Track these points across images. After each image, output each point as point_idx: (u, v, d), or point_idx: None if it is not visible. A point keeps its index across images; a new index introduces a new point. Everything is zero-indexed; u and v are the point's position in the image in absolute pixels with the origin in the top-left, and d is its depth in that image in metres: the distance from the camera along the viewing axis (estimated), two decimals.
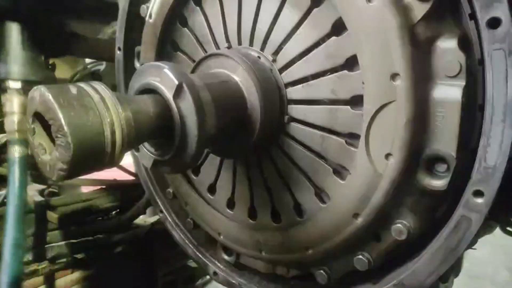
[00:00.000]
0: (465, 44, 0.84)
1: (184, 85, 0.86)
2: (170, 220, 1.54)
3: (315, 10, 0.98)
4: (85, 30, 2.03)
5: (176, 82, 0.85)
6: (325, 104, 1.00)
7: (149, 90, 0.89)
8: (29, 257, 2.08)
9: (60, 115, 0.70)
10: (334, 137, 0.99)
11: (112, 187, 2.63)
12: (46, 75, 1.90)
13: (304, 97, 1.03)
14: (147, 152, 0.94)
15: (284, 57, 1.05)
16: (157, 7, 1.26)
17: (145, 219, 2.90)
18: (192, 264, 2.92)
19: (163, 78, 0.87)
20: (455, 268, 0.94)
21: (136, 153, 1.53)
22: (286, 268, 1.23)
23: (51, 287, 2.25)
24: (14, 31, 1.75)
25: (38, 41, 1.81)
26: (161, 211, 1.56)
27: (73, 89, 0.75)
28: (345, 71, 0.94)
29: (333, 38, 0.95)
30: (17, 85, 1.74)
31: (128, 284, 2.62)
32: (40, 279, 2.19)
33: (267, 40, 1.07)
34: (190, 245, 1.51)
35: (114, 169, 1.03)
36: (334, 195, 1.01)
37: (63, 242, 2.27)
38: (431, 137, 0.86)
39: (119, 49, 1.48)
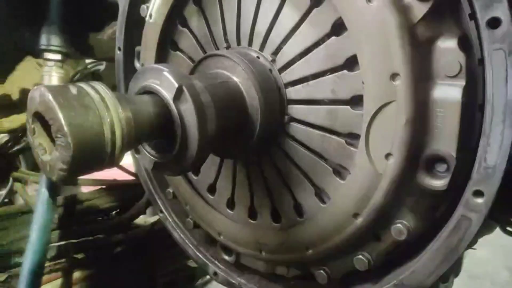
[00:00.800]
0: (465, 44, 0.84)
1: (184, 88, 0.85)
2: (170, 220, 1.54)
3: (315, 10, 0.97)
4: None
5: (176, 85, 0.85)
6: (325, 104, 1.00)
7: (149, 93, 0.89)
8: None
9: (60, 115, 0.70)
10: (334, 137, 0.99)
11: (112, 187, 2.64)
12: (85, 49, 1.89)
13: (304, 97, 1.03)
14: (147, 154, 0.94)
15: (283, 57, 1.05)
16: (157, 7, 1.26)
17: (145, 219, 2.90)
18: (192, 264, 2.92)
19: (163, 81, 0.87)
20: (455, 268, 0.94)
21: (137, 155, 1.53)
22: (286, 268, 1.23)
23: (54, 287, 2.25)
24: (56, 3, 1.75)
25: (80, 13, 1.80)
26: (161, 211, 1.56)
27: (73, 89, 0.75)
28: (345, 71, 0.94)
29: (333, 38, 0.95)
30: (57, 57, 1.75)
31: (128, 284, 2.62)
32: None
33: (267, 40, 1.07)
34: (190, 245, 1.50)
35: (114, 169, 1.03)
36: (334, 195, 1.01)
37: (63, 242, 2.27)
38: (431, 137, 0.86)
39: (119, 49, 1.48)
